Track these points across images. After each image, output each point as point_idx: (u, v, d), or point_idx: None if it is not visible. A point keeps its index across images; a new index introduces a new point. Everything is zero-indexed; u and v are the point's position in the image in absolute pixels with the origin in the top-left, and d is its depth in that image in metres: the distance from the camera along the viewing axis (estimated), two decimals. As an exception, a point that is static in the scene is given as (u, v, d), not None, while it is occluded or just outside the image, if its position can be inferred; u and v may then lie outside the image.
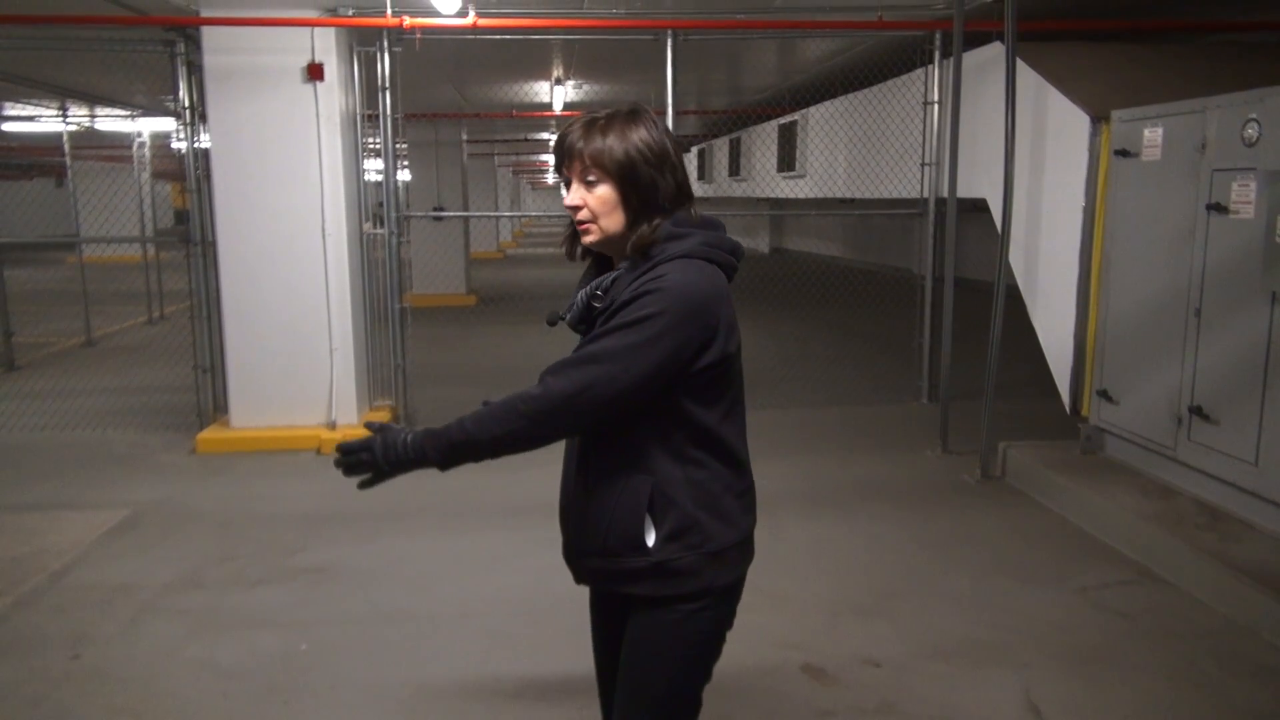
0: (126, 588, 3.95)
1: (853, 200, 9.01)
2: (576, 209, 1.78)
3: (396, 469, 1.69)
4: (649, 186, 1.73)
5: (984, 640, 3.45)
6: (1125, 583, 3.95)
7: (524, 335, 9.87)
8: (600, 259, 1.86)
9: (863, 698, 3.08)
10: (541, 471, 5.63)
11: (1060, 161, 5.26)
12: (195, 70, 5.98)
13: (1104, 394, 4.99)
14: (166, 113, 9.49)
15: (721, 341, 1.69)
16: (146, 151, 11.63)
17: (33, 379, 8.12)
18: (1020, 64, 5.23)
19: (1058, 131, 5.27)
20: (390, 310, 6.48)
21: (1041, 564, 4.15)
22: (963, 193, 5.73)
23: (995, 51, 5.76)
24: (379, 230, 6.45)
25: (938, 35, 6.47)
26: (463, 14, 5.76)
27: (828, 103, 9.21)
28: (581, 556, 1.84)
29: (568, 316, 1.83)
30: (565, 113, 11.70)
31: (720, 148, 14.90)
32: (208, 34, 5.72)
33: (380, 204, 6.55)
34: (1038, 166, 5.44)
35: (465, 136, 14.20)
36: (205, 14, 5.67)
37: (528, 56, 8.06)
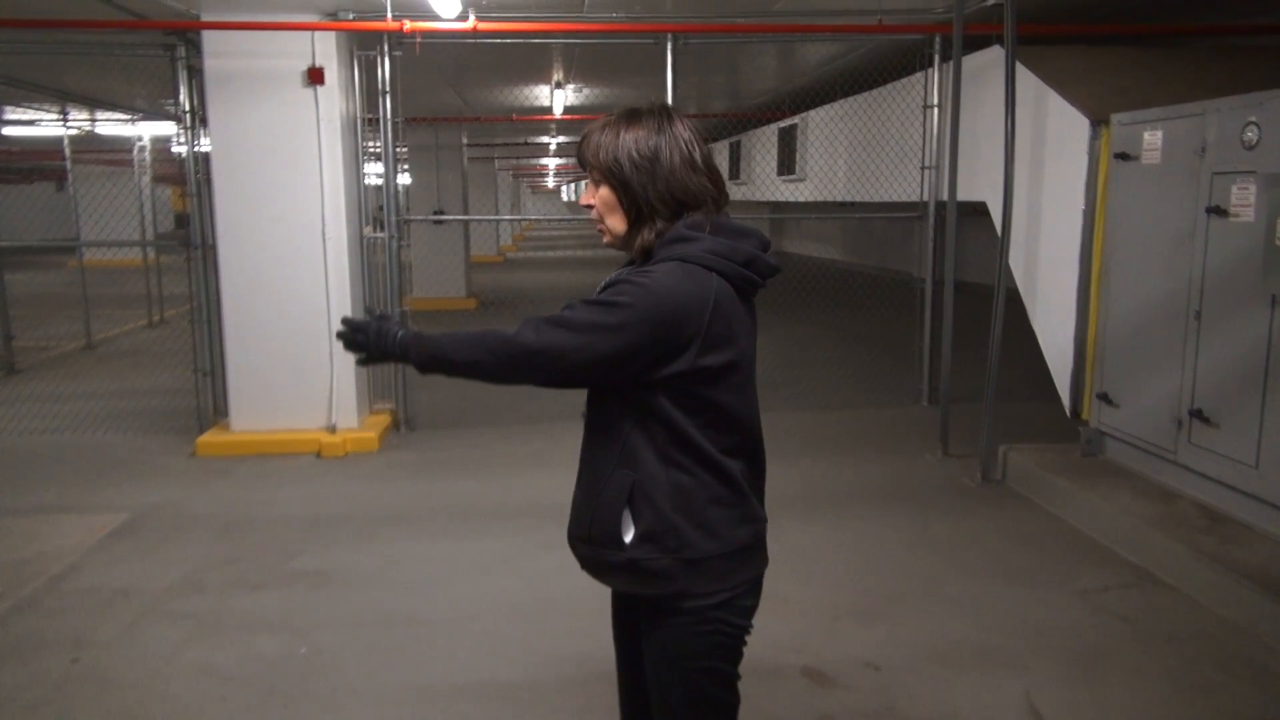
0: (126, 591, 3.95)
1: (853, 204, 9.01)
2: (590, 208, 1.78)
3: (384, 357, 1.77)
4: (638, 190, 1.72)
5: (984, 643, 3.45)
6: (1126, 586, 3.94)
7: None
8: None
9: (863, 701, 3.08)
10: (540, 474, 5.68)
11: (1060, 165, 5.26)
12: (196, 74, 5.99)
13: (1104, 397, 4.99)
14: (167, 117, 9.49)
15: (693, 353, 1.65)
16: (147, 155, 11.64)
17: (33, 382, 8.12)
18: (1020, 67, 5.23)
19: (1057, 135, 5.27)
20: (390, 314, 6.47)
21: (1042, 567, 4.14)
22: (963, 196, 5.73)
23: (995, 55, 5.76)
24: (379, 234, 6.45)
25: (937, 39, 6.48)
26: (463, 18, 5.76)
27: (828, 106, 9.22)
28: (574, 540, 1.85)
29: None
30: (565, 116, 11.72)
31: (720, 151, 14.91)
32: (208, 38, 5.73)
33: (380, 208, 6.55)
34: (1037, 170, 5.44)
35: (466, 140, 14.20)
36: (206, 18, 5.68)
37: (528, 60, 8.07)
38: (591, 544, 1.79)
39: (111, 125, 11.43)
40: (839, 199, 9.16)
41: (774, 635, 3.42)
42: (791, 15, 6.26)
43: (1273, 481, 3.90)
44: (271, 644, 3.50)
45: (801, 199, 10.26)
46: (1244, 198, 4.00)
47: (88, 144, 13.52)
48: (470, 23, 5.80)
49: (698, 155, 1.74)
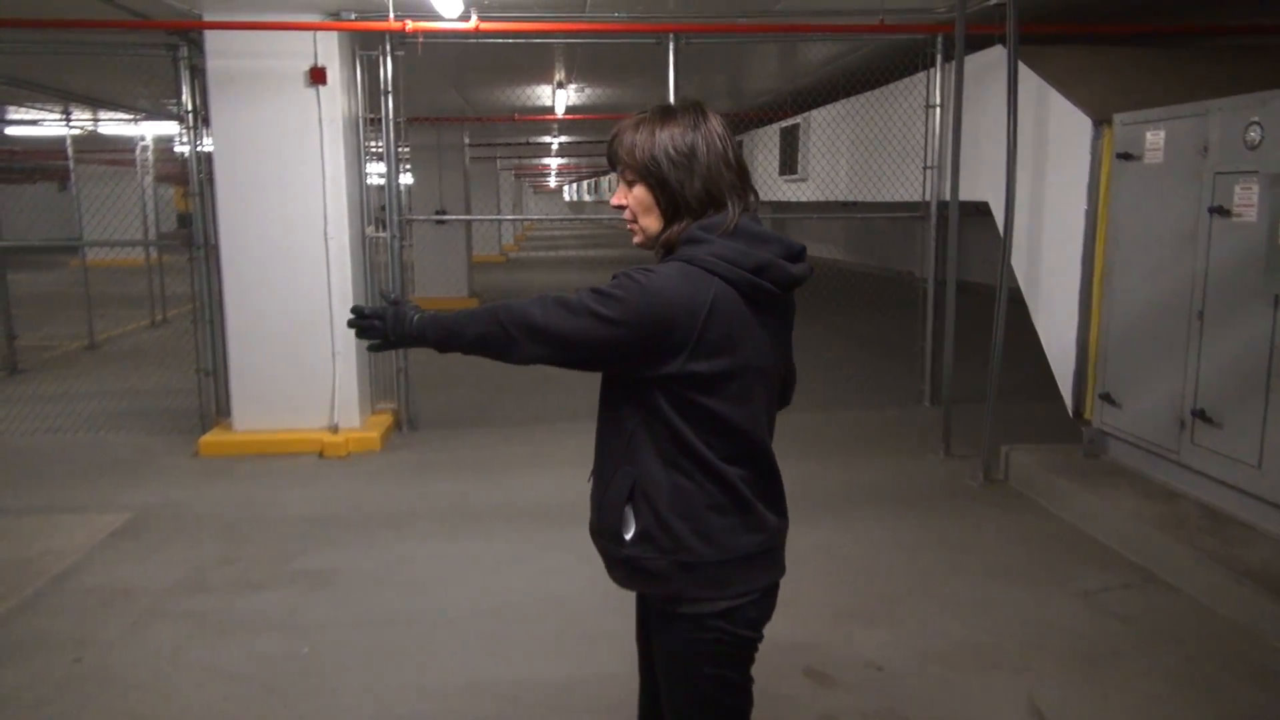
0: (129, 591, 3.95)
1: (855, 204, 9.00)
2: (622, 208, 1.78)
3: (401, 342, 1.81)
4: (675, 188, 1.70)
5: (987, 644, 3.45)
6: (1128, 586, 3.94)
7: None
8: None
9: (865, 701, 3.08)
10: (541, 475, 5.67)
11: (1062, 164, 5.26)
12: (198, 74, 5.99)
13: (1107, 397, 4.98)
14: (169, 116, 9.49)
15: (684, 358, 1.63)
16: (149, 155, 11.64)
17: (35, 382, 8.13)
18: (1022, 67, 5.23)
19: (1060, 134, 5.27)
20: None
21: (1044, 567, 4.14)
22: (965, 196, 5.72)
23: (997, 55, 5.76)
24: (381, 234, 6.45)
25: (940, 39, 6.47)
26: (465, 18, 5.77)
27: (829, 106, 9.21)
28: (590, 531, 1.86)
29: None
30: (567, 116, 11.72)
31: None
32: (210, 38, 5.74)
33: (383, 207, 6.55)
34: (1040, 169, 5.44)
35: (468, 140, 14.20)
36: (208, 18, 5.68)
37: (530, 60, 8.07)
38: (600, 537, 1.81)
39: (114, 125, 11.44)
40: (841, 199, 9.16)
41: (776, 635, 3.40)
42: (793, 15, 6.25)
43: (1275, 481, 3.90)
44: (274, 644, 3.50)
45: (803, 199, 10.25)
46: (1246, 198, 4.00)
47: (91, 144, 13.52)
48: (472, 23, 5.80)
49: (731, 153, 1.73)
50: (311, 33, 5.74)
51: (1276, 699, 3.07)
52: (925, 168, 6.84)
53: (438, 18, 5.72)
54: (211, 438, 6.07)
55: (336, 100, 5.86)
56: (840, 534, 4.52)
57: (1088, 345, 5.17)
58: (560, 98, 10.13)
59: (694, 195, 1.70)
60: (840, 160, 8.99)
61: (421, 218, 11.40)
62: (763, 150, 11.68)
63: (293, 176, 5.87)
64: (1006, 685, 3.17)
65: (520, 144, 17.37)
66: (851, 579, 4.04)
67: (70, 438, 6.39)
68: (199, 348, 6.42)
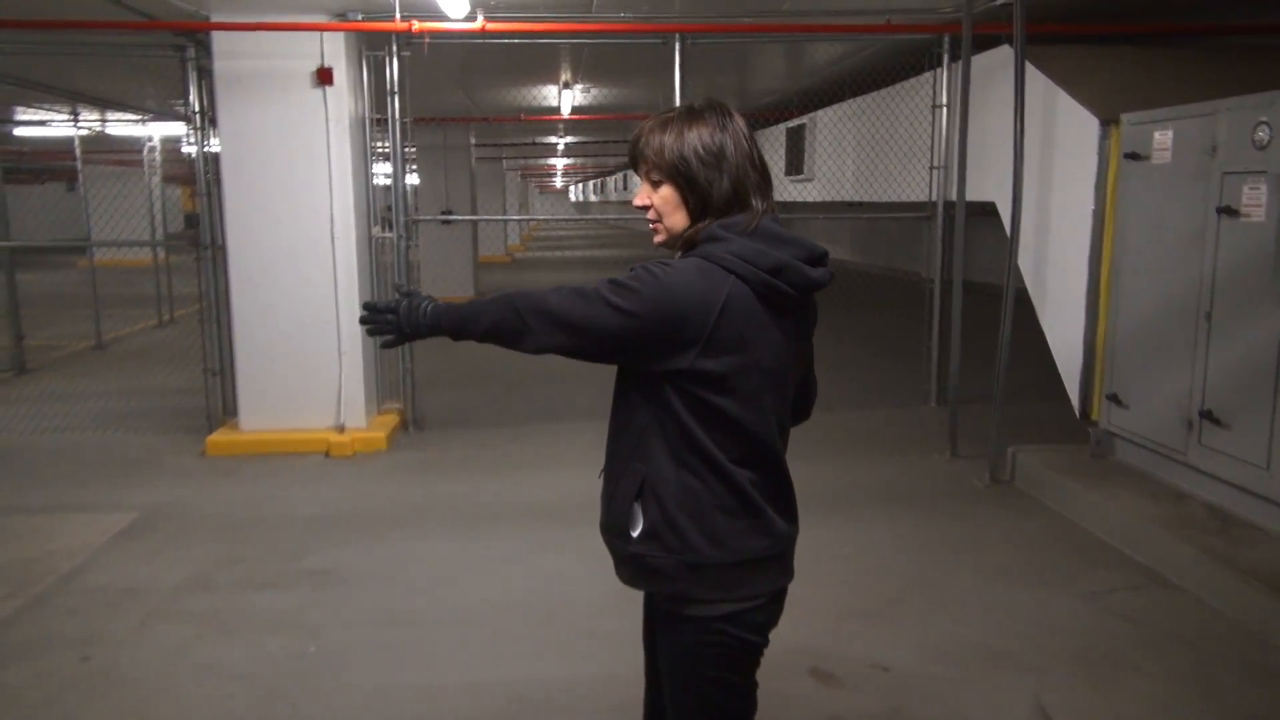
0: (136, 590, 3.97)
1: (861, 204, 8.99)
2: (645, 208, 1.78)
3: (415, 334, 1.80)
4: (704, 187, 1.70)
5: (993, 645, 3.44)
6: (1135, 587, 3.93)
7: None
8: None
9: (871, 702, 3.07)
10: (547, 475, 5.67)
11: (1069, 164, 5.25)
12: (205, 75, 6.01)
13: (1114, 398, 4.97)
14: (177, 117, 9.54)
15: (694, 353, 1.63)
16: (157, 156, 11.68)
17: (43, 382, 8.16)
18: (1029, 67, 5.21)
19: (1067, 134, 5.25)
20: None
21: (1051, 568, 4.13)
22: (971, 196, 5.71)
23: (1004, 55, 5.75)
24: (387, 234, 6.46)
25: (946, 39, 6.46)
26: (471, 18, 5.77)
27: (836, 106, 9.20)
28: (600, 528, 1.86)
29: None
30: (573, 117, 11.72)
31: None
32: (218, 39, 5.75)
33: (389, 208, 6.56)
34: (1047, 170, 5.42)
35: (474, 140, 14.22)
36: (215, 19, 5.69)
37: (536, 60, 8.07)
38: (608, 533, 1.81)
39: (122, 125, 11.49)
40: (847, 199, 9.14)
41: (781, 636, 3.40)
42: (800, 15, 6.25)
43: (1284, 483, 3.88)
44: (280, 643, 3.51)
45: (809, 199, 10.24)
46: (1255, 198, 3.98)
47: (98, 144, 13.58)
48: (478, 23, 5.81)
49: (755, 152, 1.74)
50: (318, 33, 5.75)
51: (1284, 701, 3.06)
52: (931, 168, 6.83)
53: (444, 18, 5.73)
54: (218, 437, 6.08)
55: (343, 101, 5.87)
56: (846, 534, 4.52)
57: (1095, 346, 5.15)
58: (566, 98, 10.14)
59: (722, 195, 1.70)
60: (846, 160, 8.98)
61: (427, 218, 11.39)
62: (768, 151, 11.67)
63: (299, 177, 5.88)
64: (1013, 686, 3.16)
65: (526, 144, 17.38)
66: (857, 579, 4.03)
67: (77, 437, 6.41)
68: (206, 348, 6.43)
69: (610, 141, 16.21)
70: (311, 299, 5.99)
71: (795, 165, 10.34)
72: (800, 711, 3.02)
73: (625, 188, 31.83)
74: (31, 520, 4.81)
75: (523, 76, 9.12)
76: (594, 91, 10.12)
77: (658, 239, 1.80)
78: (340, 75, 5.82)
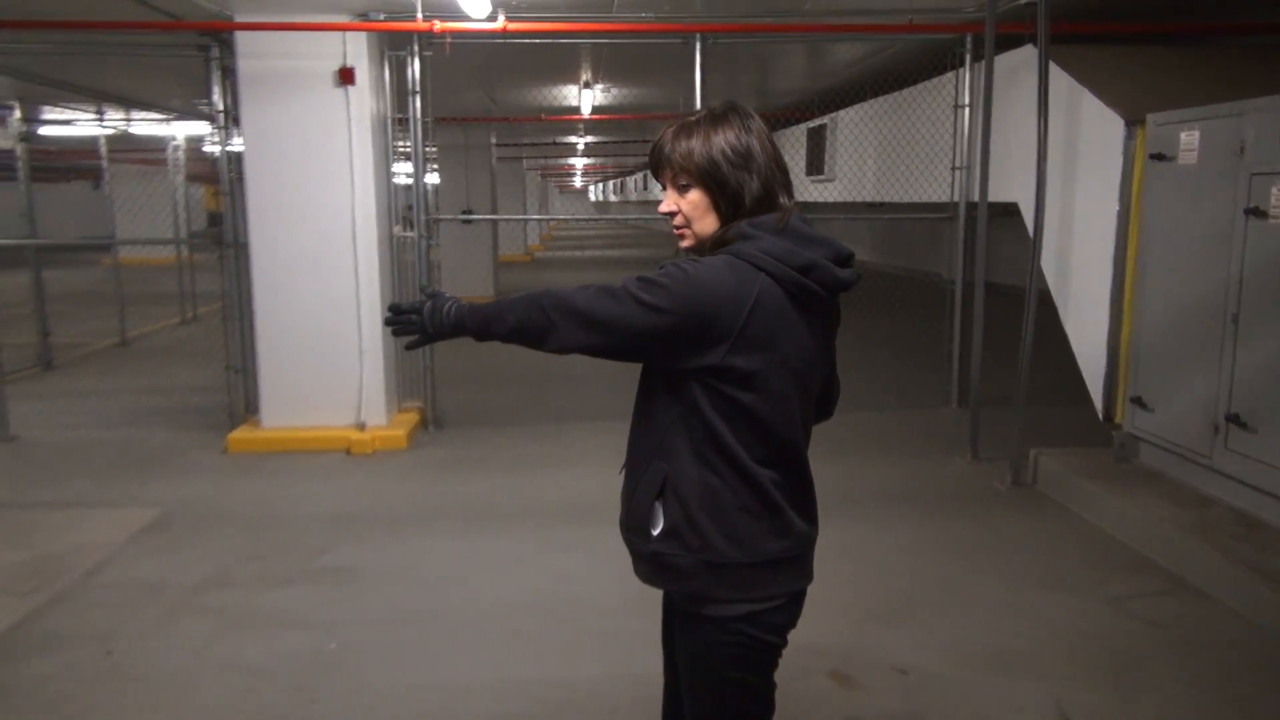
0: (157, 585, 4.00)
1: (881, 204, 8.95)
2: (672, 214, 1.77)
3: (439, 335, 1.80)
4: (735, 189, 1.70)
5: (1014, 649, 3.41)
6: (1158, 593, 3.88)
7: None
8: None
9: (890, 705, 3.06)
10: (566, 474, 5.68)
11: (1094, 165, 5.20)
12: (229, 74, 6.05)
13: (1138, 401, 4.92)
14: (201, 116, 9.61)
15: (724, 350, 1.63)
16: (181, 155, 11.78)
17: (68, 378, 8.25)
18: (1053, 66, 5.17)
19: (1091, 135, 5.20)
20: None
21: (1073, 572, 4.09)
22: (994, 197, 5.67)
23: (1027, 54, 5.70)
24: (408, 233, 6.49)
25: (969, 38, 6.42)
26: (492, 18, 5.79)
27: (857, 106, 9.16)
28: (620, 525, 1.86)
29: None
30: (593, 116, 11.73)
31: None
32: (241, 39, 5.79)
33: (410, 207, 6.59)
34: (1070, 170, 5.38)
35: (494, 140, 14.26)
36: (239, 19, 5.74)
37: (556, 60, 8.08)
38: (628, 530, 1.81)
39: (147, 125, 11.59)
40: (868, 199, 9.10)
41: (800, 637, 3.39)
42: (821, 15, 6.22)
43: (1311, 488, 3.83)
44: (299, 639, 3.52)
45: (830, 199, 10.20)
46: (1283, 199, 3.93)
47: (123, 143, 13.70)
48: (500, 23, 5.82)
49: (778, 154, 1.75)
50: (341, 33, 5.78)
51: (1312, 709, 3.02)
52: (953, 168, 6.78)
53: (466, 18, 5.75)
54: (240, 434, 6.13)
55: (365, 100, 5.90)
56: (865, 536, 4.49)
57: (1119, 348, 5.10)
58: (586, 98, 10.15)
59: (752, 195, 1.70)
60: (867, 161, 8.94)
61: (448, 217, 11.43)
62: (789, 151, 11.64)
63: (321, 176, 5.92)
64: (1034, 691, 3.13)
65: (546, 144, 17.41)
66: (877, 581, 4.01)
67: (101, 433, 6.48)
68: (228, 345, 6.48)
69: (630, 141, 16.21)
70: (332, 297, 6.03)
71: (816, 165, 10.30)
72: (818, 713, 3.00)
73: (645, 188, 31.81)
74: (56, 515, 4.86)
75: (543, 76, 9.14)
76: (614, 91, 10.12)
77: (685, 244, 1.79)
78: (362, 75, 5.85)
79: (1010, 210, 6.10)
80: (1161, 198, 4.73)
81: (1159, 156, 4.70)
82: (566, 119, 12.64)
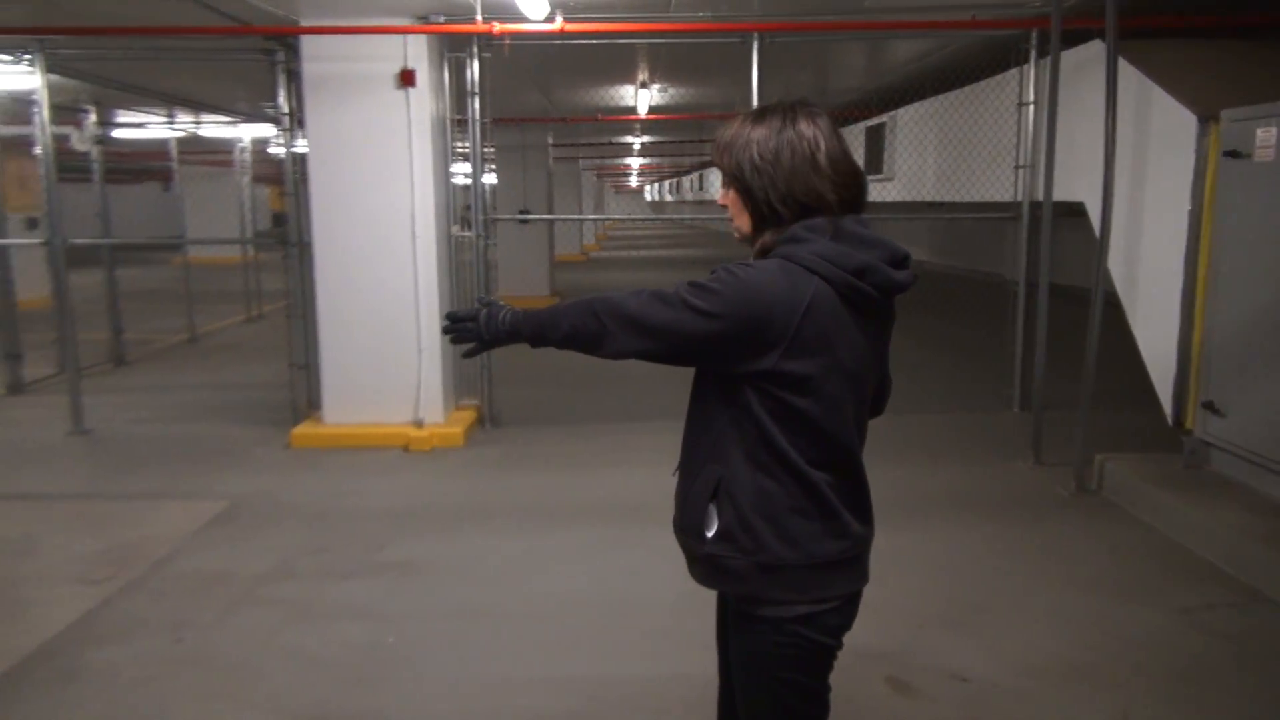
0: (224, 576, 4.11)
1: (941, 204, 8.82)
2: (725, 207, 1.79)
3: (495, 342, 1.84)
4: (759, 192, 1.70)
5: (1078, 659, 3.33)
6: (1231, 604, 3.76)
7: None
8: None
9: (948, 713, 3.01)
10: (620, 473, 5.70)
11: (1164, 163, 5.05)
12: (294, 77, 6.18)
13: (1210, 406, 4.77)
14: (266, 119, 9.81)
15: (778, 354, 1.62)
16: (247, 156, 12.06)
17: (140, 374, 8.51)
18: (1122, 62, 5.04)
19: (1162, 132, 5.06)
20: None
21: (1140, 581, 3.98)
22: (1059, 196, 5.54)
23: (1095, 50, 5.56)
24: (466, 233, 6.56)
25: (1034, 34, 6.29)
26: (550, 19, 5.83)
27: (917, 104, 9.03)
28: (674, 527, 1.86)
29: None
30: (650, 116, 11.73)
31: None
32: (306, 42, 5.91)
33: (468, 207, 6.66)
34: (1140, 169, 5.23)
35: (551, 140, 14.35)
36: (304, 23, 5.85)
37: (613, 61, 8.10)
38: (682, 533, 1.82)
39: (214, 127, 11.89)
40: (928, 199, 8.97)
41: (857, 642, 3.35)
42: (881, 12, 6.14)
43: (1395, 498, 3.68)
44: (360, 632, 3.59)
45: (889, 199, 10.07)
46: (1367, 197, 3.78)
47: (192, 145, 14.07)
48: (557, 24, 5.86)
49: (821, 156, 1.67)
50: (401, 36, 5.87)
51: (1394, 729, 2.90)
52: (1017, 167, 6.65)
53: (524, 19, 5.79)
54: (302, 430, 6.25)
55: (425, 102, 5.98)
56: (925, 540, 4.43)
57: (1189, 351, 4.95)
58: (643, 98, 10.16)
59: (778, 200, 1.68)
60: (927, 160, 8.81)
61: (505, 217, 11.49)
62: (847, 149, 11.50)
63: (382, 177, 6.02)
64: (1100, 702, 3.05)
65: (603, 144, 17.47)
66: (937, 586, 3.95)
67: (170, 428, 6.66)
68: (292, 342, 6.62)
69: (686, 141, 16.17)
70: (392, 296, 6.12)
71: (874, 164, 10.18)
72: (874, 719, 2.97)
73: (701, 187, 31.74)
74: (130, 506, 5.02)
75: (600, 76, 9.16)
76: (671, 91, 10.11)
77: (737, 236, 1.81)
78: (422, 77, 5.93)
79: (1074, 209, 5.96)
80: (1236, 196, 4.58)
81: (1233, 154, 4.55)
82: (623, 119, 12.66)
